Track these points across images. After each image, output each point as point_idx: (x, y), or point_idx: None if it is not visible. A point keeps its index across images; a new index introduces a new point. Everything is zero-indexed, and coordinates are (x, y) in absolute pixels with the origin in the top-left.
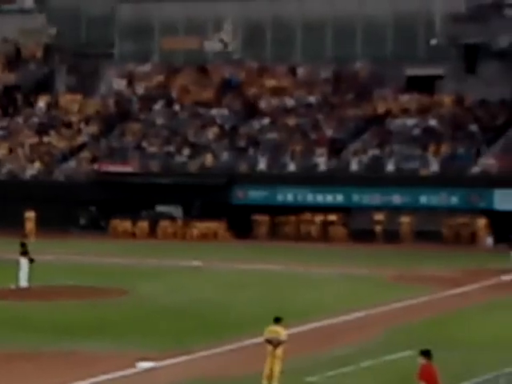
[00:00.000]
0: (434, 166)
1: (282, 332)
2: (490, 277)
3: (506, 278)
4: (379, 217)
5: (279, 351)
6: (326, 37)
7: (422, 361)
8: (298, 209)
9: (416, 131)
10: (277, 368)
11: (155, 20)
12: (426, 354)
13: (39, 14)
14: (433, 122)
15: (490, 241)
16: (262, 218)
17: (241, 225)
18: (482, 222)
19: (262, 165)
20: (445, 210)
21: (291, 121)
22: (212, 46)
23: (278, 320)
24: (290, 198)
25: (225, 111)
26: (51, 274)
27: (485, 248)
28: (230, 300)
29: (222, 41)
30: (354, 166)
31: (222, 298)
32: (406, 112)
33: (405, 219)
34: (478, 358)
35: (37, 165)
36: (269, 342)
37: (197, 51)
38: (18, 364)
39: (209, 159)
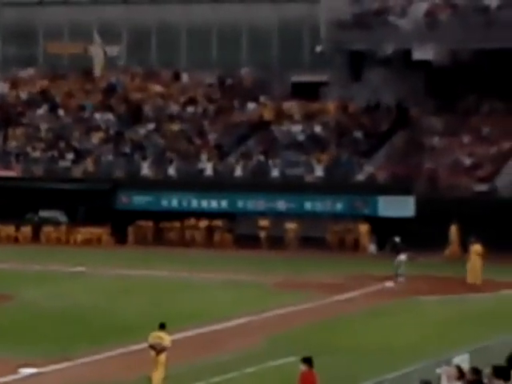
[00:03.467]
0: (319, 173)
1: (165, 338)
2: (373, 283)
3: (389, 284)
4: (264, 223)
5: (162, 357)
6: (212, 42)
7: (302, 368)
8: (182, 214)
9: (301, 137)
10: (160, 375)
11: (39, 24)
12: (307, 361)
13: None
14: (317, 129)
15: (373, 247)
16: (147, 224)
17: (125, 230)
18: (364, 228)
19: (147, 170)
20: (329, 216)
21: (176, 126)
22: (96, 51)
23: (162, 326)
24: (174, 203)
25: (109, 116)
26: None
27: (368, 254)
28: (114, 306)
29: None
30: (239, 172)
31: (106, 304)
32: (290, 118)
33: (290, 225)
34: (361, 364)
35: None
36: (152, 347)
37: (81, 56)
38: None
39: (93, 164)
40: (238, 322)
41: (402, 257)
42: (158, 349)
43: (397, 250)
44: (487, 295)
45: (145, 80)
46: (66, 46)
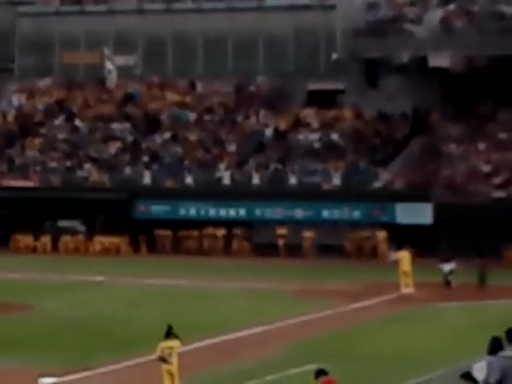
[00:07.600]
0: (336, 180)
1: (175, 344)
2: (391, 290)
3: (406, 291)
4: (282, 231)
5: (175, 367)
6: (228, 51)
7: (321, 379)
8: (200, 223)
9: (318, 145)
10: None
11: (55, 34)
12: (321, 373)
13: None
14: (334, 137)
15: (393, 255)
16: (165, 233)
17: (143, 240)
18: (382, 235)
19: (165, 179)
20: (347, 224)
21: (193, 135)
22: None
23: (169, 334)
24: (192, 212)
25: (126, 126)
26: None
27: (386, 261)
28: (134, 315)
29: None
30: (257, 181)
31: (125, 314)
32: (307, 126)
33: (307, 233)
34: (379, 372)
35: None
36: (162, 359)
37: (98, 66)
38: None
39: (110, 174)
40: (256, 330)
41: (450, 265)
42: (167, 360)
43: (443, 259)
44: (505, 301)
45: (161, 89)
46: (82, 56)
